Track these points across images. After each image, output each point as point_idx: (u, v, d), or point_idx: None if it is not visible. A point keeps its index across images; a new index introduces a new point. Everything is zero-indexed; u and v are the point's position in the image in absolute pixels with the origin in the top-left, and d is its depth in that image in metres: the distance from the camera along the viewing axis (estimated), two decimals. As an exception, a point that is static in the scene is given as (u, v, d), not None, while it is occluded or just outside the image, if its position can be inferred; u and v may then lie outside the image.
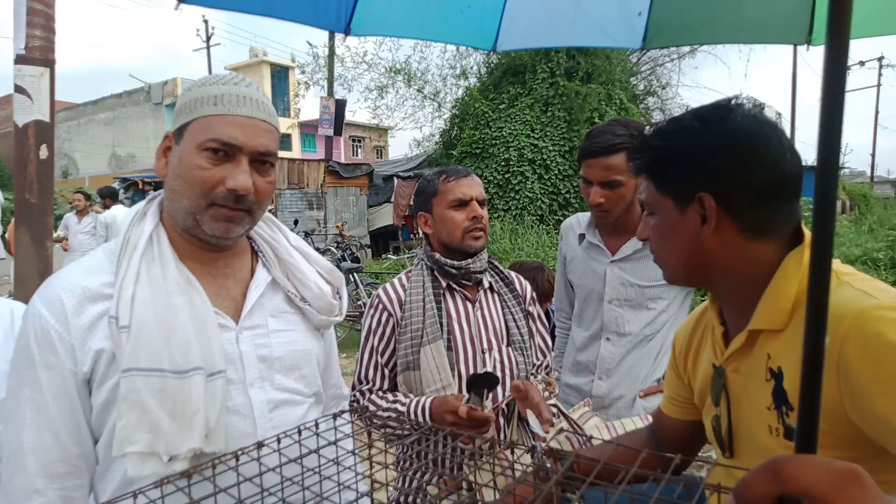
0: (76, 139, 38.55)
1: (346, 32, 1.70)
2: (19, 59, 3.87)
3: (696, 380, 1.26)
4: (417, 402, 1.70)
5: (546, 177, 13.70)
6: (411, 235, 17.06)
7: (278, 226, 1.35)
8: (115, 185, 8.42)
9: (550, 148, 13.64)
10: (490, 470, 0.82)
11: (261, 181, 1.16)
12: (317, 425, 0.96)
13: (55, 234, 8.01)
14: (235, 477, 0.83)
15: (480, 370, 1.80)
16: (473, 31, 1.83)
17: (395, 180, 16.15)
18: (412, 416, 1.68)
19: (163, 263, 1.12)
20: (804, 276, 0.97)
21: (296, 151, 40.15)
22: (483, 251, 1.90)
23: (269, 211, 1.34)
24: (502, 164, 13.72)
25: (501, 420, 1.78)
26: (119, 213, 7.96)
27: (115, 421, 1.03)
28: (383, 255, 13.06)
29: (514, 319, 1.88)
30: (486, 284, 1.91)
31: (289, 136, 41.37)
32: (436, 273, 1.89)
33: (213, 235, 1.14)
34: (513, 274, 2.00)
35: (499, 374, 1.81)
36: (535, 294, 2.05)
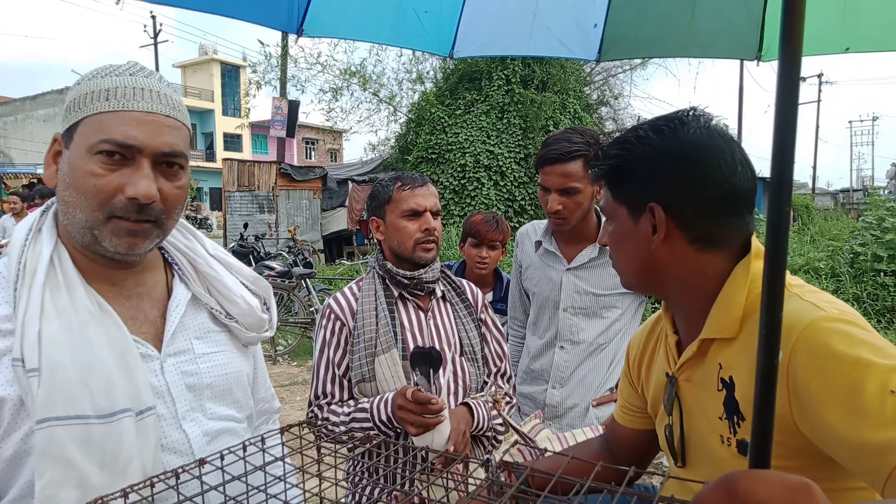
0: (13, 136, 36.96)
1: (299, 33, 1.65)
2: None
3: (649, 389, 1.27)
4: (380, 399, 1.68)
5: (502, 183, 13.82)
6: (366, 240, 16.92)
7: (193, 233, 1.21)
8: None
9: (506, 154, 13.76)
10: (443, 485, 0.80)
11: (168, 186, 1.00)
12: (263, 441, 0.90)
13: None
14: (176, 496, 0.77)
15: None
16: (430, 36, 1.81)
17: (350, 184, 16.00)
18: (375, 414, 1.67)
19: (69, 289, 0.96)
20: (753, 285, 1.00)
21: (246, 152, 39.51)
22: (435, 261, 1.89)
23: (214, 214, 1.22)
24: (458, 169, 13.77)
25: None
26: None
27: (35, 479, 0.88)
28: (337, 261, 12.90)
29: (466, 329, 1.87)
30: (439, 293, 1.90)
31: (239, 136, 40.73)
32: (387, 281, 1.86)
33: (115, 252, 0.99)
34: (464, 282, 1.99)
35: (452, 385, 1.80)
36: (484, 296, 2.05)
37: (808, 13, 0.79)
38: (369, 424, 1.68)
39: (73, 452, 0.88)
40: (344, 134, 19.71)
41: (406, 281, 1.83)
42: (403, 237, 1.81)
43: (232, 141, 41.50)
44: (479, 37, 1.86)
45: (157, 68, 27.47)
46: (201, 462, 0.83)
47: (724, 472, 0.57)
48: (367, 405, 1.70)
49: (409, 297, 1.86)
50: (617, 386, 2.19)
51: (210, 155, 40.16)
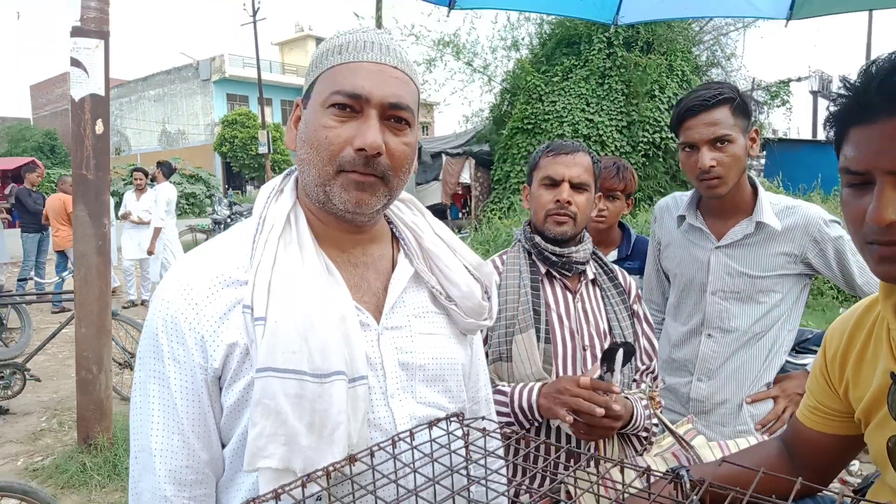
0: (127, 116, 39.58)
1: (451, 5, 1.54)
2: (75, 32, 3.80)
3: (856, 391, 1.07)
4: (524, 387, 1.55)
5: (602, 153, 13.28)
6: (460, 214, 16.87)
7: (421, 209, 1.18)
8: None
9: (607, 123, 13.15)
10: (593, 492, 0.67)
11: (395, 142, 0.98)
12: (448, 421, 0.88)
13: (122, 212, 8.14)
14: (372, 476, 0.78)
15: (580, 368, 1.62)
16: (592, 1, 1.60)
17: (444, 157, 15.93)
18: (516, 399, 1.54)
19: (301, 247, 0.98)
20: None
21: (342, 127, 40.36)
22: (587, 239, 1.71)
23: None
24: (556, 139, 13.35)
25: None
26: (167, 191, 8.03)
27: (248, 428, 0.89)
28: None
29: (618, 318, 1.68)
30: (591, 275, 1.72)
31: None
32: (534, 256, 1.70)
33: (345, 210, 0.99)
34: (617, 269, 1.78)
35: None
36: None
37: None
38: (506, 410, 1.55)
39: (285, 407, 0.88)
40: (436, 106, 19.59)
41: (554, 258, 1.66)
42: (536, 206, 1.69)
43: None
44: None
45: (256, 46, 28.41)
46: (394, 441, 0.83)
47: None
48: (506, 388, 1.58)
49: (557, 276, 1.69)
50: (775, 381, 1.94)
51: (307, 130, 41.32)
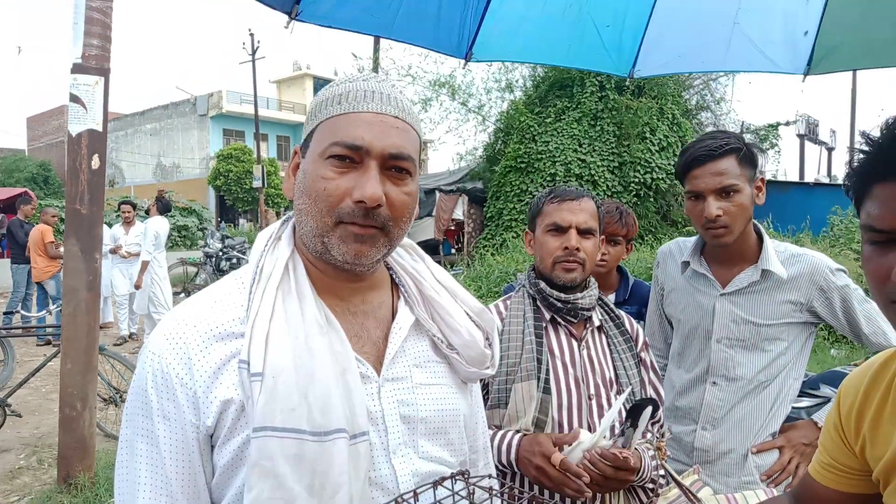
0: (122, 149, 39.71)
1: (467, 58, 1.57)
2: (76, 69, 3.80)
3: (874, 449, 1.03)
4: (504, 436, 1.51)
5: (594, 193, 13.40)
6: (452, 250, 16.88)
7: (421, 255, 1.15)
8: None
9: (599, 163, 13.31)
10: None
11: (395, 192, 0.95)
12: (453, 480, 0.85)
13: (109, 245, 8.07)
14: None
15: (586, 418, 1.58)
16: (609, 54, 1.62)
17: (437, 194, 16.01)
18: (494, 451, 1.49)
19: (300, 298, 0.94)
20: None
21: (336, 163, 40.62)
22: (593, 285, 1.68)
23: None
24: (548, 178, 13.45)
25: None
26: (158, 224, 7.96)
27: (243, 491, 0.86)
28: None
29: (625, 366, 1.64)
30: (596, 322, 1.68)
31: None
32: (538, 302, 1.67)
33: (343, 261, 0.96)
34: (622, 314, 1.76)
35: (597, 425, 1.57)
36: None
37: None
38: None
39: (283, 469, 0.84)
40: (431, 144, 19.79)
41: (559, 304, 1.63)
42: (544, 253, 1.66)
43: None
44: (666, 52, 1.66)
45: (254, 84, 28.73)
46: (398, 502, 0.79)
47: None
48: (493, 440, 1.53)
49: (562, 322, 1.66)
50: (781, 431, 1.90)
51: (302, 166, 41.54)
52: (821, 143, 26.13)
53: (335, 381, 0.89)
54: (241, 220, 33.44)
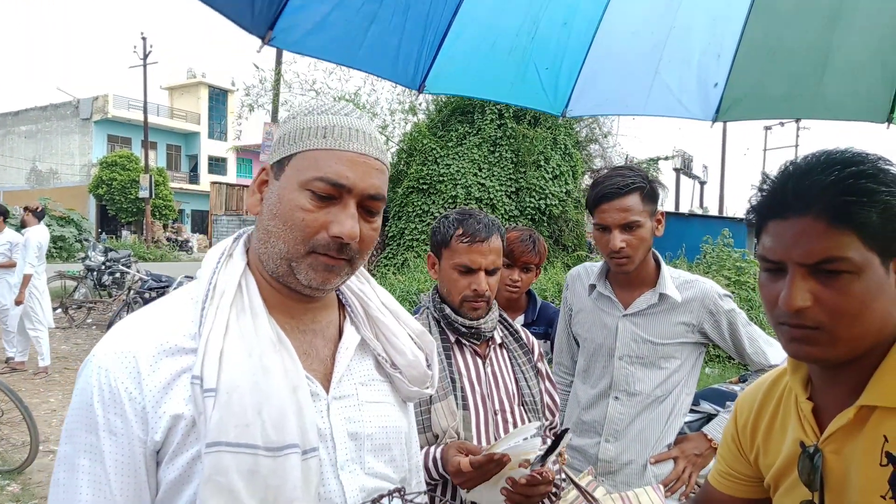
0: (-7, 151, 36.36)
1: (420, 90, 1.65)
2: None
3: (766, 458, 1.16)
4: (426, 455, 1.56)
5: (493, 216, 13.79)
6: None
7: (367, 277, 1.18)
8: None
9: (497, 188, 13.74)
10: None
11: (367, 228, 1.00)
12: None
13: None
14: None
15: (493, 432, 1.66)
16: (546, 94, 1.75)
17: (338, 212, 15.85)
18: (430, 470, 1.55)
19: (254, 315, 0.96)
20: None
21: (231, 176, 39.24)
22: (494, 307, 1.78)
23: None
24: (449, 200, 13.71)
25: None
26: (39, 234, 7.33)
27: None
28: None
29: (526, 378, 1.76)
30: (498, 340, 1.78)
31: (224, 160, 40.50)
32: (443, 325, 1.74)
33: (307, 286, 0.98)
34: (519, 328, 1.87)
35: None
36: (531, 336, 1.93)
37: None
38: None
39: (237, 484, 0.85)
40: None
41: (464, 329, 1.71)
42: (452, 290, 1.71)
43: (216, 164, 41.24)
44: (595, 95, 1.81)
45: (145, 89, 27.31)
46: None
47: None
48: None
49: (466, 343, 1.74)
50: (675, 443, 2.07)
51: (194, 178, 39.79)
52: (694, 177, 28.34)
53: (288, 398, 0.91)
54: (125, 232, 31.44)
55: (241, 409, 0.87)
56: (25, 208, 7.54)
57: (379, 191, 1.00)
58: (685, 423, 3.06)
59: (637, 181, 1.94)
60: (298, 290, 1.01)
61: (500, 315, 1.83)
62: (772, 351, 1.99)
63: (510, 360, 1.77)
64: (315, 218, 0.96)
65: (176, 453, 0.89)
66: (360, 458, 1.02)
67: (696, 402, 4.04)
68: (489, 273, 1.69)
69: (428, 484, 1.55)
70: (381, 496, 0.91)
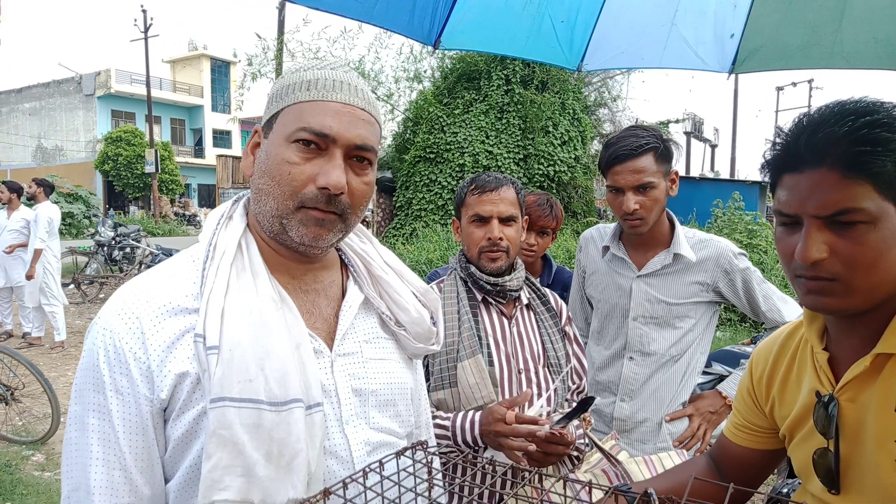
0: (-2, 128, 36.39)
1: (435, 45, 1.64)
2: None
3: (781, 409, 1.17)
4: (465, 416, 1.58)
5: (501, 183, 13.71)
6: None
7: (369, 237, 1.19)
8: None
9: (505, 155, 13.64)
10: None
11: (356, 181, 1.00)
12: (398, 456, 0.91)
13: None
14: None
15: (516, 391, 1.68)
16: (562, 48, 1.73)
17: (345, 182, 15.80)
18: (458, 433, 1.57)
19: (254, 275, 0.97)
20: None
21: (236, 149, 39.12)
22: (520, 267, 1.79)
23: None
24: (457, 169, 13.65)
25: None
26: (50, 210, 7.37)
27: (200, 460, 0.88)
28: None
29: (552, 340, 1.77)
30: (525, 301, 1.80)
31: (229, 132, 40.35)
32: (470, 284, 1.76)
33: (300, 243, 0.99)
34: (548, 291, 1.87)
35: (536, 398, 1.69)
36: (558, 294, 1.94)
37: None
38: (446, 442, 1.57)
39: (242, 437, 0.87)
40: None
41: (489, 286, 1.72)
42: (470, 243, 1.75)
43: (221, 137, 41.09)
44: (611, 48, 1.79)
45: (147, 62, 27.12)
46: (345, 484, 0.82)
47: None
48: (447, 423, 1.59)
49: (493, 302, 1.76)
50: (689, 400, 2.09)
51: (199, 151, 39.73)
52: (705, 140, 28.05)
53: (290, 354, 0.93)
54: (133, 208, 31.56)
55: (244, 364, 0.88)
56: (33, 180, 7.58)
57: (366, 141, 0.99)
58: (697, 384, 3.09)
59: (651, 141, 1.92)
60: (294, 248, 1.01)
61: (528, 278, 1.84)
62: (786, 308, 1.99)
63: (536, 322, 1.79)
64: (302, 171, 0.96)
65: (182, 410, 0.91)
66: (365, 413, 1.04)
67: (707, 364, 4.06)
68: (503, 222, 1.71)
69: (447, 447, 1.58)
70: (405, 448, 0.93)
